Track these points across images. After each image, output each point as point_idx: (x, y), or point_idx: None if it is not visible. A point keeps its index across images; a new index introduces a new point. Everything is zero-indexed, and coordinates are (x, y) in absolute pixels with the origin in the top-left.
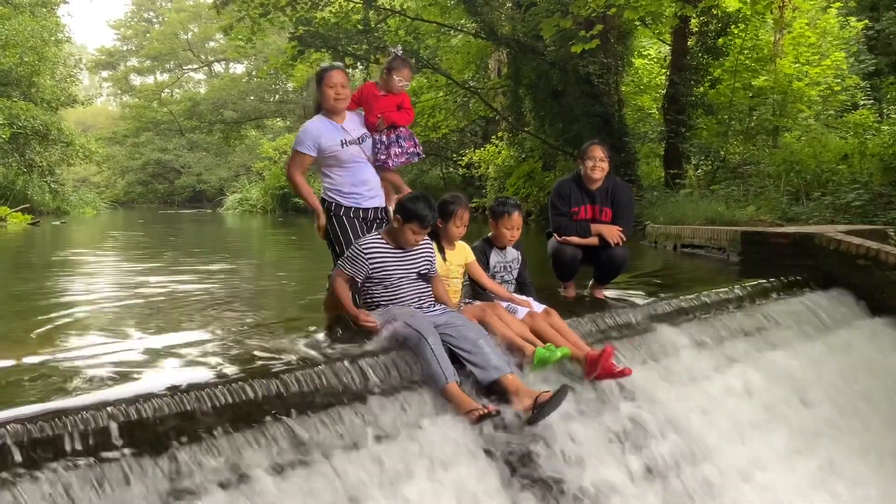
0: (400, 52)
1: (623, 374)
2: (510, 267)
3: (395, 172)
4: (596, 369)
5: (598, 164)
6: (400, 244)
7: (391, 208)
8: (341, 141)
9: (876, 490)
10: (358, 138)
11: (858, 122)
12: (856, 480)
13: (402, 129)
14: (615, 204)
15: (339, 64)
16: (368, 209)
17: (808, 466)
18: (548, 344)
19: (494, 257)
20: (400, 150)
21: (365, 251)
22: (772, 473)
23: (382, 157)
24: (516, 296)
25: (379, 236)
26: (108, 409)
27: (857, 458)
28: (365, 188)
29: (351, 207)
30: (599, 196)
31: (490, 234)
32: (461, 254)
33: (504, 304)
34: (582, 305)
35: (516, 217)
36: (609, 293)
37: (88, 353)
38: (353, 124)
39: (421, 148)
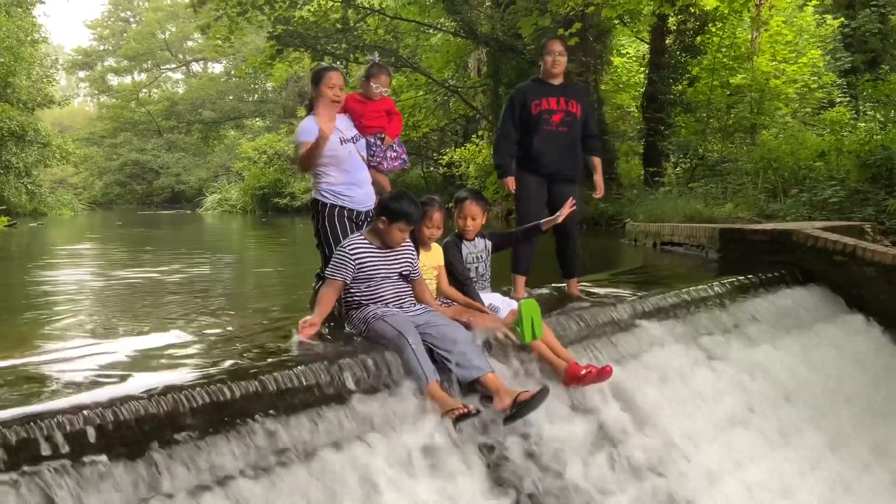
0: (377, 59)
1: (603, 373)
2: (481, 257)
3: (384, 175)
4: (576, 384)
5: (557, 59)
6: (386, 244)
7: None
8: (339, 139)
9: (857, 483)
10: (352, 137)
11: (835, 119)
12: (836, 474)
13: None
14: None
15: (336, 66)
16: (361, 212)
17: (788, 461)
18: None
19: (465, 249)
20: (394, 154)
21: (351, 252)
22: (752, 469)
23: (378, 158)
24: (473, 303)
25: (362, 237)
26: (85, 412)
27: (836, 452)
28: (359, 190)
29: (345, 208)
30: (562, 90)
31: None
32: (434, 256)
33: (486, 304)
34: (562, 303)
35: (467, 205)
36: (587, 290)
37: (65, 356)
38: (344, 124)
39: (407, 156)
